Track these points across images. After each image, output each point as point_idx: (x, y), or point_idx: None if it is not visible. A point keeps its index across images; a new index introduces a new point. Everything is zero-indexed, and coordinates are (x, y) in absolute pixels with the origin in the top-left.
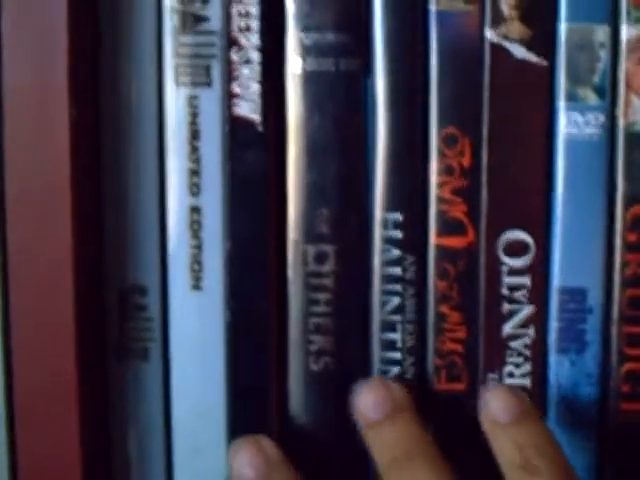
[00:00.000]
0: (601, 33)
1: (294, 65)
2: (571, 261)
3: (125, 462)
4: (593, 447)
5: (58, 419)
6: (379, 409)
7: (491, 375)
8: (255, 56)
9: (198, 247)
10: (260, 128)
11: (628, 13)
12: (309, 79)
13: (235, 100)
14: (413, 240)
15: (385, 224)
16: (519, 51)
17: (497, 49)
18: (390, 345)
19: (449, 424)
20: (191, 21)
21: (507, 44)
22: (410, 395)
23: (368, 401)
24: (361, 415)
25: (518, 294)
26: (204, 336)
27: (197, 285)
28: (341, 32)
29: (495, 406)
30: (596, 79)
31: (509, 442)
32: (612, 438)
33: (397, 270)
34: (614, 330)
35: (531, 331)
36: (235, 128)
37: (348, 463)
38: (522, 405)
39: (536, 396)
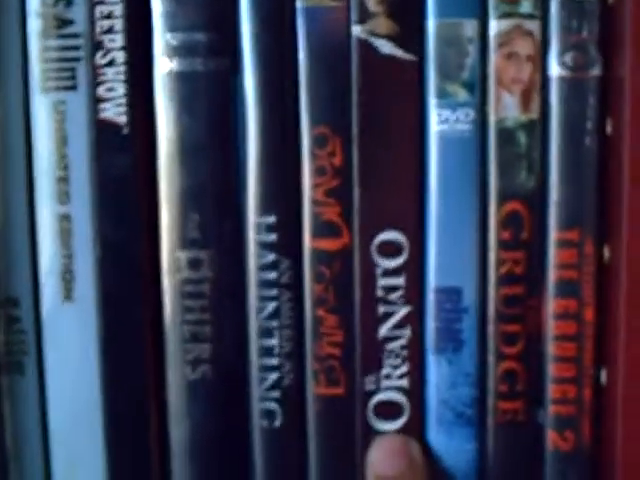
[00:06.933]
0: (469, 28)
1: (161, 65)
2: (445, 261)
3: (3, 474)
4: (473, 448)
5: None
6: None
7: (368, 378)
8: (120, 58)
9: (69, 256)
10: (125, 131)
11: (496, 7)
12: (177, 79)
13: (101, 104)
14: (288, 243)
15: (259, 228)
16: (386, 47)
17: (364, 45)
18: (268, 351)
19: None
20: (55, 24)
21: (374, 40)
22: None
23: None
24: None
25: (393, 295)
26: (78, 348)
27: (69, 295)
28: (208, 31)
29: None
30: (465, 75)
31: None
32: (491, 438)
33: (272, 274)
34: (490, 329)
35: (407, 332)
36: (101, 132)
37: (229, 469)
38: None
39: (415, 397)
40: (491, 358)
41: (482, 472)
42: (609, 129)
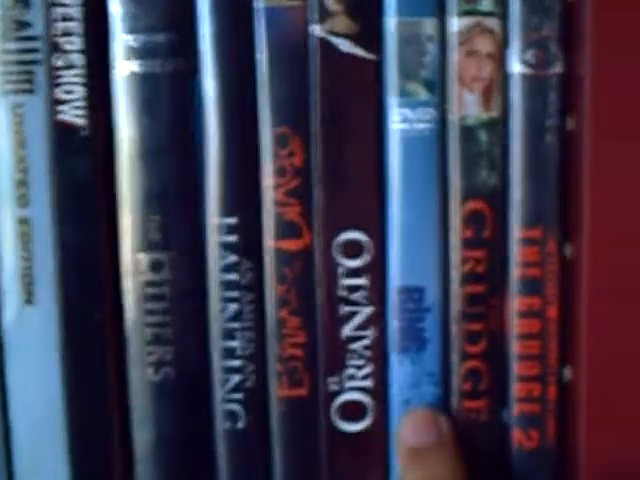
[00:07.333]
0: (429, 26)
1: (121, 67)
2: (408, 260)
3: None
4: None
5: None
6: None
7: (332, 379)
8: (78, 60)
9: (29, 260)
10: (85, 133)
11: (456, 5)
12: (137, 81)
13: (59, 106)
14: (249, 245)
15: (220, 229)
16: (346, 46)
17: (323, 44)
18: (230, 353)
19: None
20: (13, 27)
21: (333, 39)
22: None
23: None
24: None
25: (356, 295)
26: (40, 351)
27: (30, 299)
28: (167, 32)
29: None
30: (425, 73)
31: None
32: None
33: (234, 276)
34: (454, 328)
35: (371, 332)
36: (59, 134)
37: (193, 471)
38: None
39: (379, 397)
40: (455, 357)
41: None
42: (570, 126)
